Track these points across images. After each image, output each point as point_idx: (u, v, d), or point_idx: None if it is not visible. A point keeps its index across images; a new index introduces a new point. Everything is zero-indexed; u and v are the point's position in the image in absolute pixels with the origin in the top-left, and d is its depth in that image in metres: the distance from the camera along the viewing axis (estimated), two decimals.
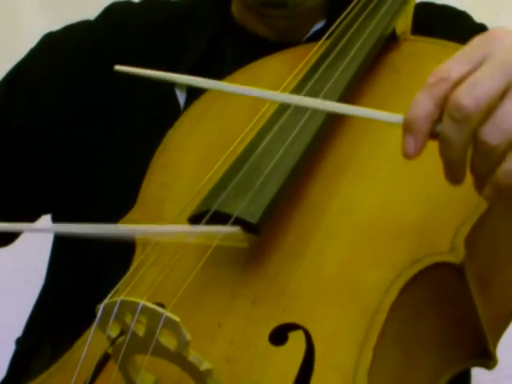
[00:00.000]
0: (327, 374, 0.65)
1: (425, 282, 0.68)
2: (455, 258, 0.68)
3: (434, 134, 0.59)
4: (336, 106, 0.65)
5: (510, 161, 0.57)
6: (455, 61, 0.59)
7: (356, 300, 0.68)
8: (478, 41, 0.60)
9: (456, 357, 0.73)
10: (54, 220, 1.00)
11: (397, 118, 0.60)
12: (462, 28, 0.96)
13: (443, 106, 0.59)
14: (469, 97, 0.57)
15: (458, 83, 0.58)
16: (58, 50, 0.98)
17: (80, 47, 0.97)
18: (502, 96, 0.58)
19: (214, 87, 0.66)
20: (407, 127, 0.59)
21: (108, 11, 1.01)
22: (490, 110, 0.57)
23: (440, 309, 0.71)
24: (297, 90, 0.79)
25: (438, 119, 0.59)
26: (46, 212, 1.00)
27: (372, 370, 0.64)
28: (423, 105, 0.59)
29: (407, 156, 0.60)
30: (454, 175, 0.61)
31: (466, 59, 0.59)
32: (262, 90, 0.64)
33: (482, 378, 1.03)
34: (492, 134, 0.57)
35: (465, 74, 0.59)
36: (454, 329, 0.72)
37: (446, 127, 0.58)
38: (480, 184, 0.61)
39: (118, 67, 0.65)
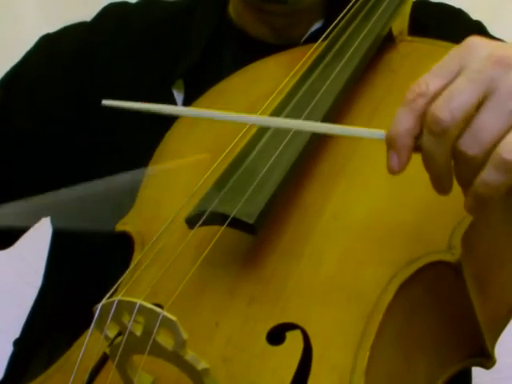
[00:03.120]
0: (325, 374, 0.65)
1: (422, 281, 0.68)
2: (452, 256, 0.68)
3: (417, 148, 0.60)
4: (317, 125, 0.66)
5: (486, 170, 0.58)
6: (432, 75, 0.60)
7: (353, 300, 0.68)
8: (453, 52, 0.60)
9: (454, 356, 0.73)
10: (54, 222, 1.00)
11: (379, 134, 0.61)
12: (459, 26, 0.96)
13: (423, 120, 0.59)
14: (445, 110, 0.58)
15: (435, 97, 0.59)
16: (56, 52, 0.98)
17: (77, 48, 0.98)
18: (477, 106, 0.58)
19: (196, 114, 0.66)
20: (390, 144, 0.60)
21: (105, 12, 1.01)
22: (466, 121, 0.58)
23: (437, 308, 0.71)
24: (294, 91, 0.80)
25: (420, 133, 0.60)
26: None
27: (369, 370, 0.64)
28: (403, 121, 0.59)
29: (392, 171, 0.61)
30: (440, 186, 0.62)
31: (442, 72, 0.60)
32: (239, 115, 0.65)
33: (482, 379, 1.03)
34: (469, 144, 0.58)
35: (441, 87, 0.59)
36: (452, 328, 0.72)
37: (426, 141, 0.59)
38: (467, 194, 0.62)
39: (105, 102, 0.64)
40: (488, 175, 0.58)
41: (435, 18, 0.97)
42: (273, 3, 0.92)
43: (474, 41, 0.60)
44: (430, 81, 0.59)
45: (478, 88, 0.58)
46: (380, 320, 0.66)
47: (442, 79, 0.59)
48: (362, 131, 0.63)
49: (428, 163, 0.60)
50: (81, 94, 0.95)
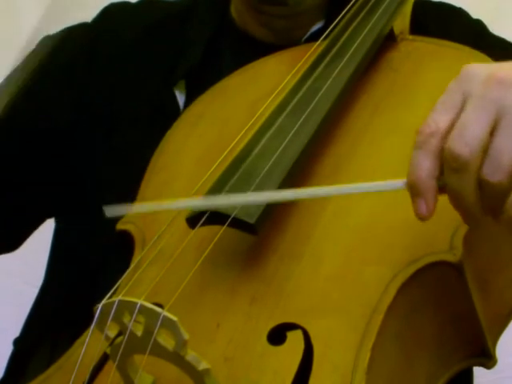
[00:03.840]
0: (326, 374, 0.65)
1: (423, 281, 0.68)
2: (453, 256, 0.68)
3: (441, 189, 0.59)
4: (338, 188, 0.65)
5: None
6: (438, 112, 0.59)
7: (354, 299, 0.68)
8: (453, 84, 0.60)
9: (455, 356, 0.73)
10: (58, 223, 1.00)
11: (398, 183, 0.61)
12: (459, 25, 0.96)
13: (441, 159, 0.59)
14: (461, 144, 0.57)
15: (447, 133, 0.58)
16: (57, 53, 0.98)
17: (78, 49, 0.98)
18: (492, 132, 0.57)
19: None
20: (413, 191, 0.60)
21: (105, 12, 1.01)
22: (484, 149, 0.57)
23: (439, 308, 0.71)
24: (295, 90, 0.79)
25: (440, 173, 0.59)
26: (49, 216, 1.00)
27: (371, 370, 0.64)
28: (422, 165, 0.59)
29: (423, 218, 0.60)
30: (472, 220, 0.61)
31: (447, 107, 0.59)
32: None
33: (483, 379, 1.03)
34: (491, 172, 0.57)
35: (451, 122, 0.59)
36: (453, 328, 0.72)
37: (450, 179, 0.59)
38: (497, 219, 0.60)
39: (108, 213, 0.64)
40: None
41: (435, 17, 0.97)
42: (273, 5, 0.92)
43: (469, 68, 0.60)
44: (437, 118, 0.59)
45: (487, 114, 0.57)
46: (381, 320, 0.66)
47: (448, 114, 0.59)
48: (380, 185, 0.62)
49: (456, 201, 0.60)
50: (82, 95, 0.95)
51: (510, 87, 0.58)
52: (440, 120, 0.59)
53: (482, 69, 0.60)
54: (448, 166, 0.58)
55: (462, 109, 0.59)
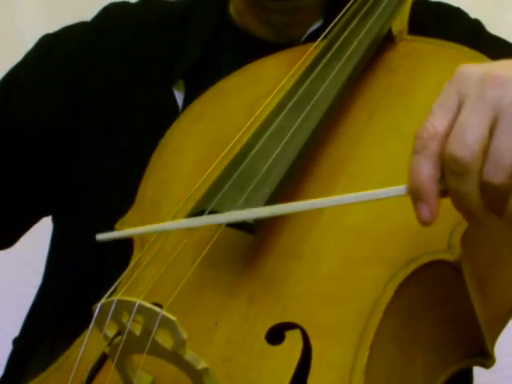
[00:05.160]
0: (324, 373, 0.65)
1: (422, 280, 0.68)
2: (451, 256, 0.68)
3: (443, 192, 0.59)
4: (339, 199, 0.64)
5: None
6: (435, 115, 0.59)
7: (353, 299, 0.68)
8: (448, 86, 0.60)
9: (453, 356, 0.73)
10: (55, 221, 1.00)
11: (400, 189, 0.60)
12: (457, 25, 0.96)
13: (441, 162, 0.58)
14: (461, 147, 0.57)
15: (446, 136, 0.58)
16: (56, 52, 0.98)
17: (77, 48, 0.98)
18: (490, 132, 0.57)
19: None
20: (415, 196, 0.59)
21: (105, 12, 1.01)
22: (484, 150, 0.57)
23: (437, 307, 0.71)
24: (293, 90, 0.79)
25: (441, 176, 0.59)
26: (46, 214, 1.00)
27: (369, 369, 0.64)
28: (422, 169, 0.58)
29: (426, 223, 0.59)
30: (475, 220, 0.61)
31: (444, 110, 0.59)
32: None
33: (482, 379, 1.03)
34: (493, 173, 0.57)
35: (449, 124, 0.58)
36: (452, 328, 0.72)
37: (452, 183, 0.58)
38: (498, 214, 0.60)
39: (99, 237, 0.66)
40: None
41: (434, 17, 0.97)
42: (275, 0, 0.92)
43: (464, 68, 0.60)
44: (435, 121, 0.58)
45: (485, 115, 0.57)
46: (379, 319, 0.66)
47: (446, 117, 0.58)
48: (382, 193, 0.61)
49: (459, 203, 0.59)
50: (81, 94, 0.95)
51: (506, 85, 0.57)
52: (438, 123, 0.58)
53: (476, 69, 0.59)
54: (449, 170, 0.58)
55: (459, 110, 0.58)
